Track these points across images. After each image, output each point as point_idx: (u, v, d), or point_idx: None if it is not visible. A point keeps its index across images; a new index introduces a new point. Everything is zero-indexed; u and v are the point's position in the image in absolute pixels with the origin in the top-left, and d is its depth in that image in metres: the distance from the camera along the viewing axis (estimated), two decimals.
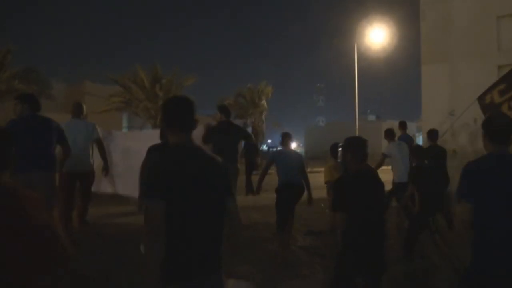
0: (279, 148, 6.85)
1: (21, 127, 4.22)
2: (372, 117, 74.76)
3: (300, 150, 39.32)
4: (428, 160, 6.03)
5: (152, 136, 5.51)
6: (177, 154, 1.95)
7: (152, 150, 4.45)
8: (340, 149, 6.12)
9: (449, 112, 9.00)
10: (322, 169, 5.89)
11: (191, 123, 2.01)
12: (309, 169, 7.38)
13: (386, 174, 5.47)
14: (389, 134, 7.12)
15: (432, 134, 7.07)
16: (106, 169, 6.09)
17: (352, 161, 3.06)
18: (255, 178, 7.13)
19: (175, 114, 2.00)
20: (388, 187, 4.45)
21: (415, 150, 5.80)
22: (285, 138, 5.76)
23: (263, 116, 30.24)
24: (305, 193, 5.53)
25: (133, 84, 23.56)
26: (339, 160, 6.22)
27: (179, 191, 1.83)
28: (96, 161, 6.00)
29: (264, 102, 30.06)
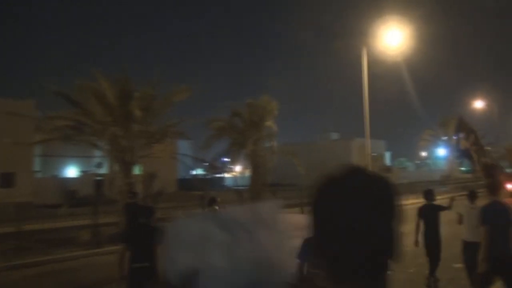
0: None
1: None
2: (335, 136, 69.83)
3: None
4: None
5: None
6: None
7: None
8: None
9: None
10: None
11: None
12: None
13: None
14: None
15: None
16: None
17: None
18: None
19: None
20: None
21: None
22: None
23: (274, 142, 21.89)
24: None
25: (95, 99, 14.50)
26: None
27: None
28: None
29: (270, 123, 21.91)
